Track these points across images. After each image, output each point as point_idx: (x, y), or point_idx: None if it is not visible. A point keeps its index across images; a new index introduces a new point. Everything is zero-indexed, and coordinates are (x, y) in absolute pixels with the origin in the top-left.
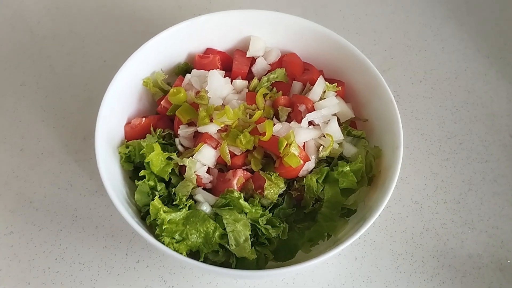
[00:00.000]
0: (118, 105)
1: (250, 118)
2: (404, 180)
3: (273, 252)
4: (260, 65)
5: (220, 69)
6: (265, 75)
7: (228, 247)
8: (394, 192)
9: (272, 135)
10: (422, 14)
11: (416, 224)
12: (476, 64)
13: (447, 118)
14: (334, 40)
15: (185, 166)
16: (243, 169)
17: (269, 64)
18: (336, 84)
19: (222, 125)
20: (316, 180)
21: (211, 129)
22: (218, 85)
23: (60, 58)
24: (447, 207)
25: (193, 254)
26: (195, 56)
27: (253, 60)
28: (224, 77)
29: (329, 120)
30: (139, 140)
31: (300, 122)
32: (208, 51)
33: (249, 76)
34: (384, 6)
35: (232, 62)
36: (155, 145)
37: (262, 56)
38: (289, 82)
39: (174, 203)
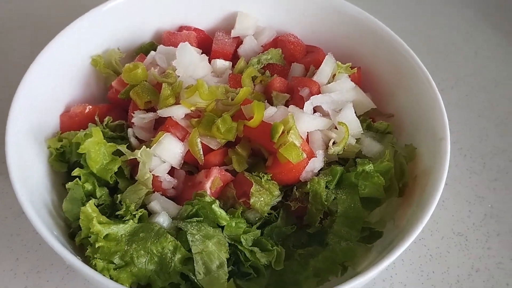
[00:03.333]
0: (51, 88)
1: (232, 101)
2: (441, 204)
3: None
4: (248, 45)
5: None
6: (255, 57)
7: (193, 277)
8: (429, 220)
9: (263, 121)
10: (448, 17)
11: (462, 263)
12: None
13: (491, 130)
14: (346, 12)
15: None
16: (221, 169)
17: (261, 46)
18: (350, 64)
19: (193, 108)
20: (326, 185)
21: (177, 112)
22: (190, 61)
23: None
24: (501, 240)
25: None
26: (163, 33)
27: (239, 41)
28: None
29: (341, 109)
30: (77, 131)
31: (302, 108)
32: (182, 28)
33: (234, 60)
34: (404, 8)
35: (212, 44)
36: (94, 130)
37: (252, 35)
38: (286, 66)
39: (117, 213)
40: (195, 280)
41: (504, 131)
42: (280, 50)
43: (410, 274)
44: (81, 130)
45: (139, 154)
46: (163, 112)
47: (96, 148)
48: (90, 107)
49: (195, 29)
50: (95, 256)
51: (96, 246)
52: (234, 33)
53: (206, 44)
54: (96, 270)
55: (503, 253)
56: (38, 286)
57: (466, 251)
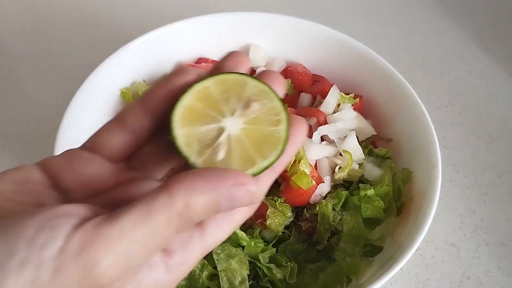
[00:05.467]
0: (88, 119)
1: None
2: (436, 217)
3: None
4: None
5: None
6: None
7: None
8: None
9: None
10: (442, 37)
11: (454, 271)
12: (509, 89)
13: (481, 147)
14: (349, 46)
15: None
16: None
17: None
18: (353, 95)
19: None
20: (333, 207)
21: None
22: None
23: (32, 79)
24: (490, 250)
25: None
26: (183, 66)
27: (253, 71)
28: None
29: (345, 137)
30: None
31: (311, 138)
32: (201, 60)
33: None
34: (399, 28)
35: None
36: None
37: (264, 66)
38: (295, 95)
39: None
40: None
41: (493, 148)
42: (290, 80)
43: (408, 282)
44: None
45: None
46: None
47: None
48: None
49: (212, 61)
50: None
51: None
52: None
53: None
54: None
55: (491, 262)
56: None
57: (458, 260)
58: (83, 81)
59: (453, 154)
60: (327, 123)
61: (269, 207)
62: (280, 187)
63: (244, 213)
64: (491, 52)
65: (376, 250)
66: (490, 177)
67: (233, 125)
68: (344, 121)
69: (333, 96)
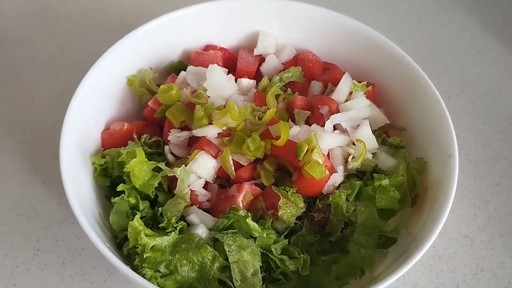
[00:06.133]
0: (94, 107)
1: (259, 120)
2: None
3: None
4: (271, 63)
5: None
6: (277, 75)
7: (231, 283)
8: None
9: (288, 140)
10: (453, 24)
11: (468, 263)
12: None
13: (494, 137)
14: (361, 33)
15: (176, 180)
16: (251, 183)
17: (282, 63)
18: (366, 83)
19: (224, 128)
20: (346, 197)
21: (210, 132)
22: (219, 82)
23: (35, 67)
24: (504, 241)
25: None
26: (192, 53)
27: (261, 58)
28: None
29: (358, 125)
30: (118, 148)
31: (323, 126)
32: (208, 47)
33: (257, 77)
34: (409, 16)
35: (236, 61)
36: (138, 150)
37: (273, 53)
38: (306, 83)
39: (160, 225)
40: (232, 286)
41: (506, 137)
42: (300, 68)
43: (420, 274)
44: (122, 147)
45: (178, 172)
46: (198, 132)
47: (139, 167)
48: (127, 124)
49: (221, 48)
50: (143, 265)
51: (144, 256)
52: (256, 52)
53: (230, 62)
54: (145, 278)
55: (505, 253)
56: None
57: (471, 252)
58: (87, 69)
59: (465, 144)
60: (339, 112)
61: (281, 198)
62: (292, 177)
63: None
64: (503, 40)
65: (390, 241)
66: (503, 167)
67: None
68: (357, 110)
69: (345, 84)
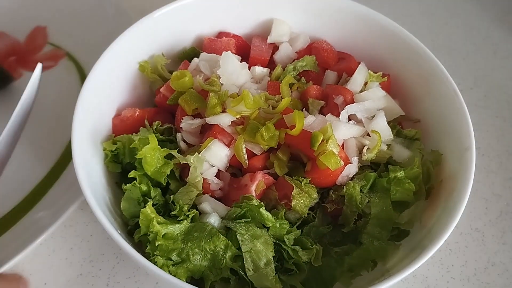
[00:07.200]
0: (105, 92)
1: (273, 109)
2: None
3: (302, 283)
4: (284, 52)
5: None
6: (290, 63)
7: (243, 273)
8: None
9: (303, 130)
10: (467, 16)
11: (479, 257)
12: None
13: (507, 130)
14: (378, 23)
15: (188, 168)
16: (264, 173)
17: (296, 52)
18: (381, 73)
19: (238, 116)
20: (360, 189)
21: (224, 120)
22: (233, 70)
23: None
24: None
25: (196, 282)
26: (204, 39)
27: (275, 47)
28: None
29: (373, 116)
30: (130, 134)
31: (338, 117)
32: (221, 34)
33: (270, 66)
34: (422, 6)
35: (249, 49)
36: (150, 137)
37: (287, 42)
38: (320, 73)
39: (172, 213)
40: (244, 276)
41: None
42: (314, 57)
43: (431, 267)
44: (134, 133)
45: (191, 159)
46: (211, 120)
47: (151, 154)
48: (139, 111)
49: (234, 36)
50: (155, 253)
51: (156, 244)
52: (270, 40)
53: (243, 49)
54: (157, 265)
55: None
56: (92, 274)
57: (482, 246)
58: (99, 54)
59: (478, 137)
60: (354, 102)
61: (295, 188)
62: (305, 166)
63: None
64: None
65: (403, 234)
66: None
67: None
68: (372, 100)
69: (361, 74)
